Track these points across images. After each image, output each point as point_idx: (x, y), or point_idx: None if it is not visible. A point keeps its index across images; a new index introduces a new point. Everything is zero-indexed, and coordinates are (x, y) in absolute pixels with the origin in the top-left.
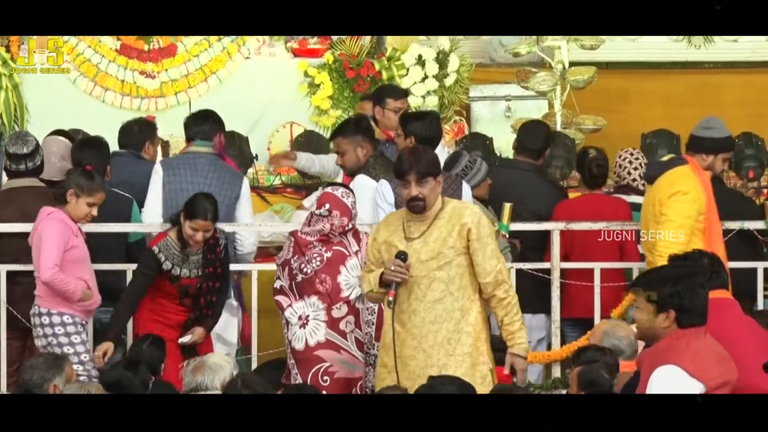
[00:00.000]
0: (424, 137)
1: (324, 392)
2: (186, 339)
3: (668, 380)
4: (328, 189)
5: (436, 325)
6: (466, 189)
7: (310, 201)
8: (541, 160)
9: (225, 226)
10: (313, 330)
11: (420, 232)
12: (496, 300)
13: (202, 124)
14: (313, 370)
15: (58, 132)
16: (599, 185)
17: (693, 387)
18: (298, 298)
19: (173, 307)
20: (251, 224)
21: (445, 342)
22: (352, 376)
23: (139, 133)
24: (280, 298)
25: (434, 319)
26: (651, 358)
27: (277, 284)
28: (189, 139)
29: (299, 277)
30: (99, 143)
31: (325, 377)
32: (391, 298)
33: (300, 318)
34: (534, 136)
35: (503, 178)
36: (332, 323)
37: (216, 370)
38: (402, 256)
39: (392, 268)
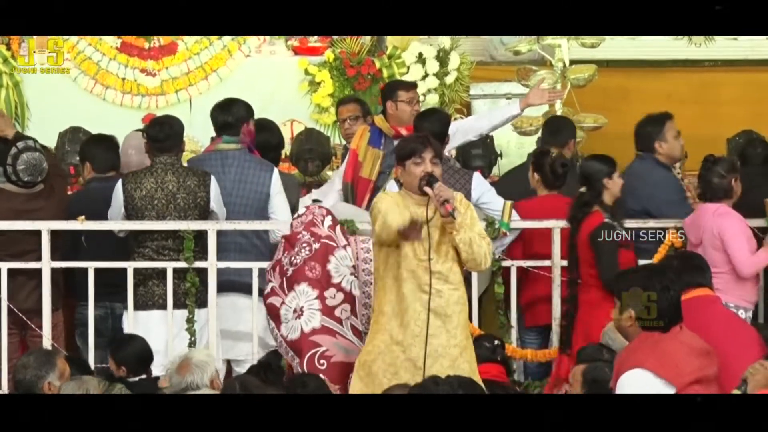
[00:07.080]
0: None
1: (322, 376)
2: None
3: (636, 384)
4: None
5: (458, 306)
6: (476, 181)
7: (306, 200)
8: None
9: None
10: (308, 318)
11: (428, 217)
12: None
13: (228, 116)
14: (309, 354)
15: None
16: (560, 186)
17: (661, 389)
18: (287, 292)
19: None
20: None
21: (465, 324)
22: (349, 360)
23: None
24: (272, 300)
25: (458, 300)
26: (622, 360)
27: (268, 287)
28: (217, 131)
29: (290, 271)
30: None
31: (322, 361)
32: (451, 209)
33: (295, 311)
34: (557, 128)
35: None
36: (327, 311)
37: (203, 367)
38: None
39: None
